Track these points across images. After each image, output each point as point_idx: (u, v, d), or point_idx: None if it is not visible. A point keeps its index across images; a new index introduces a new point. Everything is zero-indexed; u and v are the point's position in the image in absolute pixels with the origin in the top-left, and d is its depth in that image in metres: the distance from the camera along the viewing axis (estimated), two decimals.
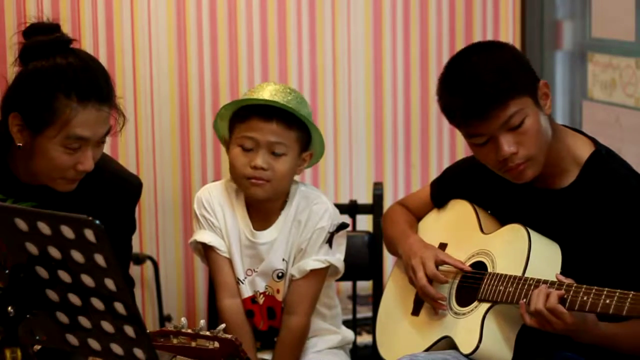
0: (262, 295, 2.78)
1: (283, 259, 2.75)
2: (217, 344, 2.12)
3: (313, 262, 2.72)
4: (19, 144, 2.38)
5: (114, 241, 2.48)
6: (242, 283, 2.76)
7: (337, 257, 2.76)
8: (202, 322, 2.20)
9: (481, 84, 2.36)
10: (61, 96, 2.32)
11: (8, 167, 2.46)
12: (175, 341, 2.16)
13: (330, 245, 2.74)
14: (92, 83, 2.36)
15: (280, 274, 2.76)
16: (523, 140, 2.37)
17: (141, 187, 2.64)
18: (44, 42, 2.37)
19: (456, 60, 2.47)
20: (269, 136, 2.65)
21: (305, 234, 2.73)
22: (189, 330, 2.16)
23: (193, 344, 2.15)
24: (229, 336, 2.13)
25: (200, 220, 2.78)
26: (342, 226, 2.77)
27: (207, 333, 2.14)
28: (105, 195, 2.52)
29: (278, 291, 2.77)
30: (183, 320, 2.20)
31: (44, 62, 2.35)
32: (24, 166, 2.44)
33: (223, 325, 2.19)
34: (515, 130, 2.37)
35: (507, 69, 2.38)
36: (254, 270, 2.76)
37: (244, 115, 2.69)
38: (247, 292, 2.77)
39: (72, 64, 2.35)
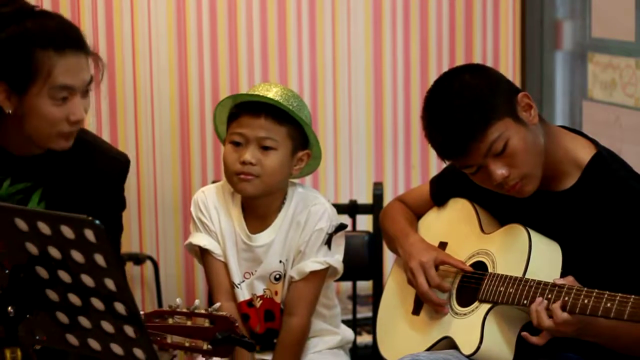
0: (259, 299, 2.77)
1: (280, 261, 2.74)
2: (212, 322, 2.12)
3: (312, 263, 2.72)
4: (8, 111, 2.40)
5: (104, 218, 2.54)
6: (238, 287, 2.76)
7: (335, 258, 2.75)
8: (197, 301, 2.19)
9: (454, 121, 2.36)
10: (38, 50, 2.36)
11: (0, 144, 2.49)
12: (170, 321, 2.16)
13: (329, 247, 2.74)
14: (66, 33, 2.42)
15: (277, 276, 2.75)
16: (512, 161, 2.36)
17: (129, 163, 2.66)
18: (9, 12, 2.41)
19: (431, 95, 2.46)
20: (257, 131, 2.65)
21: (304, 235, 2.72)
22: (184, 310, 2.16)
23: (188, 322, 2.14)
24: (224, 313, 2.13)
25: (196, 223, 2.78)
26: (341, 227, 2.76)
27: (202, 311, 2.14)
28: (94, 171, 2.55)
29: (276, 293, 2.76)
30: (178, 300, 2.20)
31: (14, 28, 2.39)
32: (17, 137, 2.46)
33: (218, 304, 2.19)
34: (501, 155, 2.36)
35: (480, 98, 2.36)
36: (251, 273, 2.76)
37: (235, 113, 2.70)
38: (244, 295, 2.76)
39: (44, 22, 2.41)
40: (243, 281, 2.76)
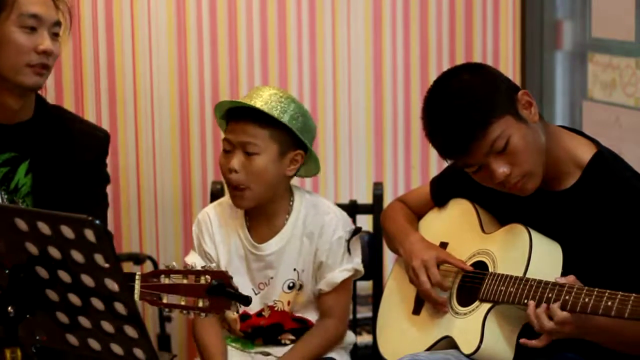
0: (269, 309, 2.77)
1: (294, 269, 2.74)
2: (208, 278, 2.12)
3: (340, 273, 2.75)
4: None
5: (89, 192, 2.55)
6: None
7: (356, 261, 2.80)
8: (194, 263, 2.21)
9: (455, 121, 2.36)
10: None
11: None
12: (166, 281, 2.17)
13: (349, 252, 2.76)
14: None
15: (291, 284, 2.75)
16: (513, 159, 2.36)
17: (109, 138, 2.71)
18: None
19: (430, 96, 2.46)
20: (240, 136, 2.66)
21: (321, 245, 2.74)
22: (180, 268, 2.17)
23: (184, 281, 2.15)
24: (220, 269, 2.14)
25: (195, 243, 2.80)
26: (357, 231, 2.80)
27: (199, 268, 2.15)
28: (75, 144, 2.60)
29: (289, 303, 2.77)
30: (174, 263, 2.21)
31: None
32: None
33: (214, 264, 2.19)
34: (502, 153, 2.36)
35: (480, 97, 2.36)
36: (266, 283, 2.76)
37: (227, 120, 2.73)
38: (251, 309, 2.76)
39: None
40: (259, 292, 2.76)
